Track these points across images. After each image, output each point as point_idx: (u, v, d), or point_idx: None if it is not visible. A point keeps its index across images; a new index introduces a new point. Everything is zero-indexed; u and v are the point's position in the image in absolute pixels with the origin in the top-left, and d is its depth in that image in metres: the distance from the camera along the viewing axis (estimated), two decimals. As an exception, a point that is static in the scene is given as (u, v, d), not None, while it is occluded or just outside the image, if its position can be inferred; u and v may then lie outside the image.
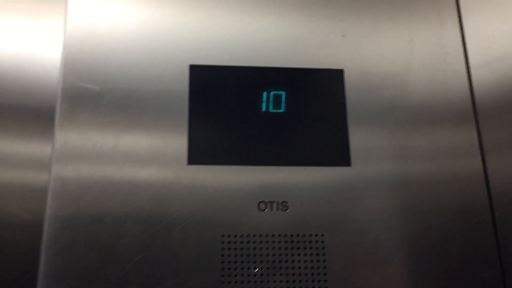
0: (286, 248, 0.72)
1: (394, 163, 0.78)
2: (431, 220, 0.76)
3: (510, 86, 0.77)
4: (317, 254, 0.72)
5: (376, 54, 0.83)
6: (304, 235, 0.73)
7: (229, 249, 0.71)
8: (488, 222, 0.76)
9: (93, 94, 0.74)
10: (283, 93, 0.79)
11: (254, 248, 0.71)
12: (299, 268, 0.71)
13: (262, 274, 0.70)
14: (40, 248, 0.68)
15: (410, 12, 0.86)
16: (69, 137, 0.72)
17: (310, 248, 0.72)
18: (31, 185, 0.72)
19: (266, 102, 0.78)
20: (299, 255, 0.72)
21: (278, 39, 0.81)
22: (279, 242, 0.72)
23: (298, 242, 0.72)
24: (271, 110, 0.78)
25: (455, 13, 0.87)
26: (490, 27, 0.82)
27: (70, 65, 0.75)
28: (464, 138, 0.80)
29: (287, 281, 0.71)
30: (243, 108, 0.77)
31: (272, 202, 0.73)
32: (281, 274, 0.71)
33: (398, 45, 0.84)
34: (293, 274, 0.71)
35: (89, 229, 0.69)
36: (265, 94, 0.78)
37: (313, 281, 0.71)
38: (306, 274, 0.71)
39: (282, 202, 0.74)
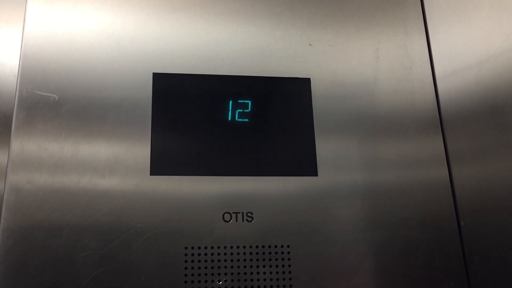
0: (251, 260, 0.70)
1: (361, 173, 0.77)
2: (397, 230, 0.76)
3: (476, 95, 0.78)
4: (283, 266, 0.71)
5: (343, 64, 0.83)
6: (269, 246, 0.71)
7: (192, 261, 0.69)
8: (454, 231, 0.77)
9: (51, 102, 0.72)
10: (249, 102, 0.78)
11: (219, 260, 0.70)
12: (265, 280, 0.70)
13: (226, 287, 0.69)
14: (-7, 263, 0.65)
15: (376, 22, 0.86)
16: (25, 147, 0.69)
17: (276, 260, 0.71)
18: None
19: (232, 111, 0.77)
20: (264, 266, 0.70)
21: (244, 48, 0.81)
22: (244, 253, 0.70)
23: (263, 253, 0.71)
24: (236, 119, 0.77)
25: (421, 24, 0.88)
26: (456, 37, 0.83)
27: (27, 73, 0.73)
28: (430, 148, 0.81)
29: (253, 294, 0.69)
30: (208, 117, 0.76)
31: (237, 213, 0.72)
32: (246, 287, 0.69)
33: (364, 55, 0.84)
34: (259, 287, 0.70)
35: (45, 243, 0.66)
36: (231, 103, 0.77)
37: (279, 293, 0.70)
38: (271, 286, 0.70)
39: (247, 213, 0.72)
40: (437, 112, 0.83)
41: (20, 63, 0.73)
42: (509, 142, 0.72)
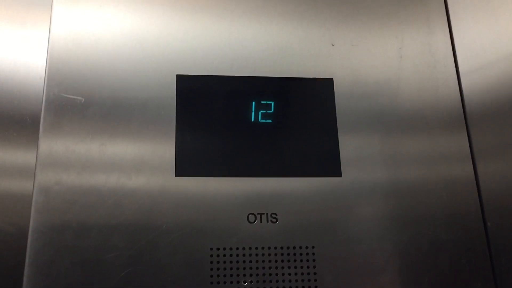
0: (276, 261, 0.71)
1: (385, 172, 0.77)
2: (423, 229, 0.75)
3: (500, 92, 0.77)
4: (308, 266, 0.71)
5: (366, 63, 0.82)
6: (294, 247, 0.72)
7: (218, 262, 0.69)
8: (480, 232, 0.76)
9: (78, 105, 0.73)
10: (272, 103, 0.78)
11: (244, 261, 0.70)
12: (290, 281, 0.70)
13: (252, 288, 0.69)
14: (23, 263, 0.66)
15: (399, 20, 0.85)
16: (53, 148, 0.70)
17: (301, 261, 0.71)
18: (15, 197, 0.71)
19: (255, 112, 0.77)
20: (289, 267, 0.71)
21: (267, 49, 0.81)
22: (269, 254, 0.71)
23: (288, 254, 0.71)
24: (260, 120, 0.77)
25: (445, 21, 0.87)
26: (480, 34, 0.82)
27: (54, 75, 0.74)
28: (455, 145, 0.80)
29: (278, 295, 0.70)
30: (231, 118, 0.76)
31: (261, 214, 0.72)
32: (271, 288, 0.70)
33: (387, 54, 0.83)
34: (284, 287, 0.70)
35: (74, 244, 0.67)
36: (253, 104, 0.77)
37: (304, 294, 0.70)
38: (296, 287, 0.70)
39: (272, 214, 0.72)
40: (462, 109, 0.82)
41: (47, 66, 0.74)
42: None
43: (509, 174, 0.75)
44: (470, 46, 0.84)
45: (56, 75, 0.74)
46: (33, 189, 0.69)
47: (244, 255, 0.70)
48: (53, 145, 0.71)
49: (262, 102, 0.78)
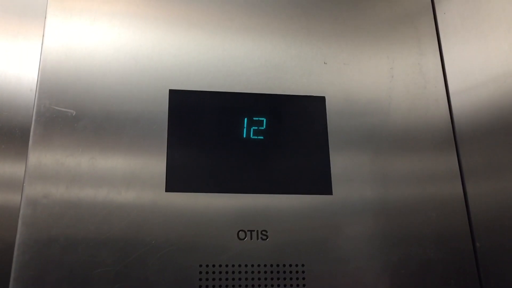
0: (265, 279, 0.70)
1: (375, 190, 0.77)
2: (412, 249, 0.75)
3: (489, 112, 0.78)
4: (297, 285, 0.71)
5: (357, 82, 0.83)
6: (284, 265, 0.71)
7: (207, 279, 0.69)
8: (469, 252, 0.76)
9: (69, 118, 0.72)
10: (264, 120, 0.78)
11: (233, 279, 0.69)
12: (279, 299, 0.70)
13: (240, 306, 0.68)
14: (9, 278, 0.65)
15: (390, 41, 0.87)
16: (42, 161, 0.70)
17: (290, 279, 0.71)
18: (2, 210, 0.70)
19: (247, 128, 0.77)
20: (279, 285, 0.70)
21: (260, 65, 0.81)
22: (259, 272, 0.70)
23: (278, 272, 0.71)
24: (251, 136, 0.77)
25: (435, 43, 0.89)
26: (469, 55, 0.83)
27: (45, 88, 0.73)
28: (444, 165, 0.80)
29: (267, 313, 0.69)
30: (223, 134, 0.76)
31: (251, 231, 0.72)
32: (260, 306, 0.69)
33: (378, 73, 0.84)
34: (273, 306, 0.69)
35: (61, 259, 0.66)
36: (245, 120, 0.77)
37: (293, 313, 0.70)
38: (286, 306, 0.70)
39: (262, 231, 0.72)
40: (451, 129, 0.83)
41: (39, 78, 0.74)
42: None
43: (498, 195, 0.75)
44: (460, 68, 0.85)
45: (48, 87, 0.73)
46: (20, 202, 0.68)
47: (233, 272, 0.69)
48: (42, 158, 0.70)
49: (254, 118, 0.78)
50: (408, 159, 0.80)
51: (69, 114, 0.72)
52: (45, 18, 0.78)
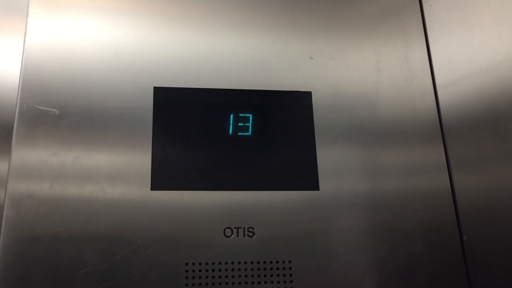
0: (252, 276, 0.70)
1: (362, 185, 0.77)
2: (399, 242, 0.75)
3: (476, 105, 0.78)
4: (285, 281, 0.70)
5: (344, 77, 0.83)
6: (271, 262, 0.71)
7: (193, 277, 0.68)
8: (456, 245, 0.76)
9: (52, 117, 0.71)
10: (250, 116, 0.78)
11: (220, 276, 0.69)
12: (266, 296, 0.70)
13: (227, 303, 0.68)
14: (-7, 279, 0.64)
15: (377, 34, 0.86)
16: (26, 161, 0.69)
17: (278, 275, 0.71)
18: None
19: (233, 125, 0.77)
20: (266, 282, 0.70)
21: (245, 61, 0.80)
22: (246, 269, 0.70)
23: (265, 269, 0.70)
24: (238, 133, 0.76)
25: (422, 36, 0.88)
26: (456, 48, 0.82)
27: (28, 86, 0.72)
28: (432, 158, 0.80)
29: (254, 310, 0.69)
30: (209, 131, 0.76)
31: (238, 228, 0.72)
32: (247, 303, 0.69)
33: (365, 67, 0.84)
34: (260, 303, 0.69)
35: (46, 259, 0.65)
36: (232, 116, 0.77)
37: (280, 309, 0.70)
38: (273, 303, 0.70)
39: (249, 228, 0.72)
40: (438, 122, 0.83)
41: (21, 77, 0.73)
42: (509, 150, 0.71)
43: (485, 187, 0.75)
44: (446, 60, 0.84)
45: (30, 86, 0.72)
46: (4, 202, 0.67)
47: (220, 270, 0.69)
48: (25, 157, 0.69)
49: (240, 115, 0.77)
50: (395, 152, 0.80)
51: (52, 113, 0.72)
52: (27, 15, 0.77)
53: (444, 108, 0.83)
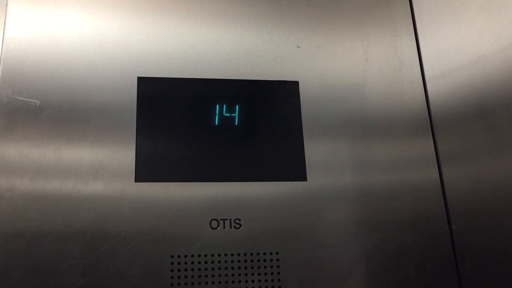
0: (239, 268, 0.69)
1: (351, 176, 0.76)
2: (388, 233, 0.74)
3: (465, 96, 0.77)
4: (272, 273, 0.70)
5: (332, 66, 0.82)
6: (258, 254, 0.70)
7: (179, 270, 0.67)
8: (445, 236, 0.76)
9: (32, 108, 0.70)
10: (236, 106, 0.76)
11: (206, 269, 0.68)
12: (253, 288, 0.69)
13: (214, 296, 0.67)
14: (-27, 274, 0.63)
15: (365, 23, 0.85)
16: (6, 153, 0.67)
17: (265, 267, 0.70)
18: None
19: (219, 115, 0.75)
20: (253, 274, 0.69)
21: (231, 51, 0.79)
22: (232, 261, 0.69)
23: (252, 261, 0.69)
24: (224, 123, 0.75)
25: (410, 25, 0.87)
26: (445, 38, 0.82)
27: (7, 77, 0.71)
28: (421, 150, 0.80)
29: (241, 303, 0.68)
30: (194, 121, 0.74)
31: (224, 220, 0.70)
32: (234, 296, 0.68)
33: (353, 57, 0.83)
34: (247, 295, 0.68)
35: (27, 253, 0.64)
36: (217, 107, 0.76)
37: (268, 301, 0.69)
38: (260, 295, 0.69)
39: (235, 219, 0.71)
40: (427, 113, 0.82)
41: (1, 68, 0.71)
42: (499, 143, 0.71)
43: (474, 178, 0.75)
44: (435, 50, 0.84)
45: (10, 77, 0.71)
46: (-16, 196, 0.66)
47: (206, 262, 0.68)
48: (5, 149, 0.68)
49: (226, 105, 0.76)
50: (384, 143, 0.79)
51: (32, 104, 0.70)
52: (6, 5, 0.75)
53: (433, 98, 0.83)
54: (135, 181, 0.70)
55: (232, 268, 0.69)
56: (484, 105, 0.74)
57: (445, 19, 0.82)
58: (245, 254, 0.70)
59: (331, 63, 0.82)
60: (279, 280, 0.69)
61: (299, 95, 0.79)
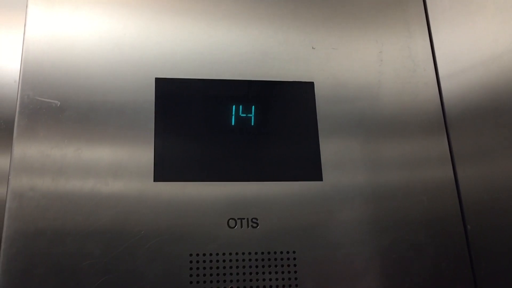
0: (257, 267, 0.70)
1: (366, 175, 0.77)
2: (403, 233, 0.75)
3: (479, 95, 0.77)
4: (289, 272, 0.70)
5: (346, 67, 0.82)
6: (275, 252, 0.71)
7: (197, 268, 0.68)
8: (460, 235, 0.76)
9: (53, 108, 0.71)
10: (252, 107, 0.77)
11: (224, 267, 0.69)
12: (271, 286, 0.69)
13: (232, 294, 0.68)
14: (-4, 272, 0.64)
15: (379, 24, 0.86)
16: (27, 153, 0.68)
17: (282, 266, 0.70)
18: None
19: (235, 115, 0.76)
20: (270, 273, 0.70)
21: (247, 52, 0.80)
22: (250, 260, 0.70)
23: (269, 259, 0.70)
24: (240, 124, 0.76)
25: (424, 25, 0.88)
26: (459, 38, 0.82)
27: (28, 78, 0.72)
28: (435, 149, 0.80)
29: (258, 301, 0.68)
30: (211, 122, 0.75)
31: (242, 219, 0.71)
32: (251, 294, 0.69)
33: (367, 58, 0.83)
34: (264, 294, 0.69)
35: (49, 251, 0.65)
36: (234, 107, 0.76)
37: (285, 300, 0.69)
38: (277, 293, 0.69)
39: (252, 218, 0.71)
40: (441, 113, 0.82)
41: (21, 69, 0.72)
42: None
43: (489, 177, 0.75)
44: (449, 50, 0.84)
45: (31, 78, 0.72)
46: (6, 195, 0.67)
47: (224, 261, 0.69)
48: (27, 150, 0.69)
49: (242, 105, 0.77)
50: (399, 143, 0.80)
51: (53, 105, 0.71)
52: (26, 7, 0.76)
53: (447, 98, 0.83)
54: (154, 181, 0.70)
55: (250, 266, 0.69)
56: (498, 104, 0.74)
57: (460, 20, 0.82)
58: (262, 253, 0.70)
59: (346, 64, 0.82)
60: (296, 278, 0.70)
61: (314, 95, 0.79)
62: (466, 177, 0.78)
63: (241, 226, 0.71)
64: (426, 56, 0.86)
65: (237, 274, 0.69)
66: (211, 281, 0.68)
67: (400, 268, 0.73)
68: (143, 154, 0.71)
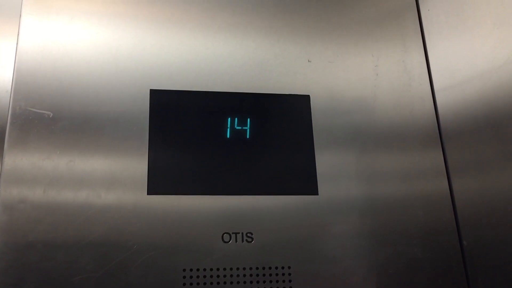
0: (251, 282, 0.69)
1: (361, 189, 0.76)
2: (399, 247, 0.74)
3: (474, 109, 0.77)
4: (284, 287, 0.69)
5: (342, 80, 0.82)
6: (270, 267, 0.70)
7: (191, 284, 0.67)
8: (456, 250, 0.76)
9: (45, 120, 0.70)
10: (248, 119, 0.77)
11: (218, 283, 0.68)
12: (265, 303, 0.68)
13: (226, 310, 0.67)
14: (-16, 287, 0.63)
15: (375, 38, 0.86)
16: (18, 165, 0.67)
17: (277, 281, 0.69)
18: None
19: (231, 128, 0.76)
20: (265, 288, 0.69)
21: (243, 64, 0.79)
22: (244, 275, 0.69)
23: (264, 275, 0.69)
24: (235, 136, 0.75)
25: (420, 40, 0.88)
26: (454, 52, 0.82)
27: (21, 89, 0.71)
28: (430, 163, 0.80)
29: (253, 317, 0.67)
30: (206, 134, 0.75)
31: (236, 233, 0.70)
32: (246, 310, 0.67)
33: (363, 71, 0.83)
34: (259, 310, 0.68)
35: (40, 266, 0.64)
36: (229, 120, 0.76)
37: (280, 316, 0.68)
38: (272, 309, 0.68)
39: (247, 233, 0.71)
40: (437, 126, 0.83)
41: (14, 79, 0.71)
42: (509, 154, 0.71)
43: (485, 192, 0.75)
44: (444, 64, 0.84)
45: (23, 88, 0.71)
46: (-4, 208, 0.65)
47: (218, 276, 0.68)
48: (18, 161, 0.67)
49: (238, 118, 0.76)
50: (394, 157, 0.80)
51: (45, 116, 0.70)
52: (20, 16, 0.75)
53: (442, 112, 0.83)
54: (148, 194, 0.69)
55: (244, 282, 0.68)
56: (494, 117, 0.74)
57: (456, 34, 0.83)
58: (257, 268, 0.69)
59: (342, 78, 0.82)
60: (291, 294, 0.69)
61: (310, 109, 0.79)
62: (461, 191, 0.78)
63: (236, 241, 0.70)
64: (422, 70, 0.86)
65: (232, 289, 0.68)
66: (205, 297, 0.67)
67: (396, 283, 0.73)
68: (137, 166, 0.71)
